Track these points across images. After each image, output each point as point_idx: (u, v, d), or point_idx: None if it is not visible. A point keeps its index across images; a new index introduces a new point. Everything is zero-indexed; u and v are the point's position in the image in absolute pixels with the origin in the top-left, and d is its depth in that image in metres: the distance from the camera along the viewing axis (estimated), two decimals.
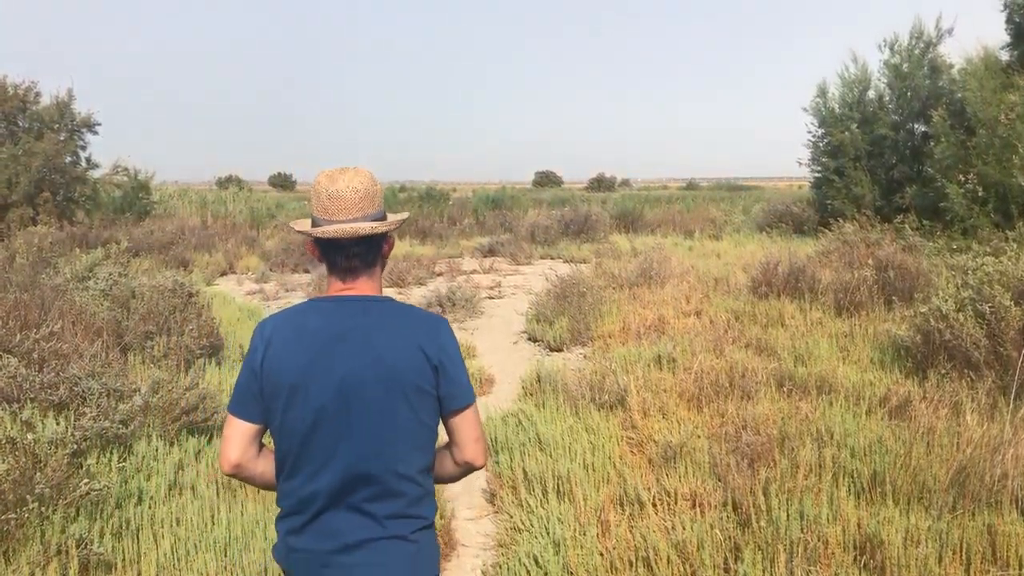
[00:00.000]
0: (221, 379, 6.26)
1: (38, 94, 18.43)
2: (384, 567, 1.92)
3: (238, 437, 1.98)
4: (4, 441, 3.87)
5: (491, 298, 12.22)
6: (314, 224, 1.99)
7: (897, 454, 4.36)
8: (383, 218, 2.03)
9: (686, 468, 4.51)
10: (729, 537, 3.78)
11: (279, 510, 2.03)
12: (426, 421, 1.97)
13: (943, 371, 5.89)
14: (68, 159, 18.54)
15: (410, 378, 1.93)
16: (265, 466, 2.04)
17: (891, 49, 17.55)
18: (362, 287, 2.02)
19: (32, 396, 4.81)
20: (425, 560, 2.00)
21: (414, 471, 1.97)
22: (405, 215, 2.22)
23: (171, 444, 4.87)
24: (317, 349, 1.94)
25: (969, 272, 6.59)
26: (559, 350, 8.46)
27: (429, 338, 1.97)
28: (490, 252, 18.19)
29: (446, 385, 1.98)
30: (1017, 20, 14.02)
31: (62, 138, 18.42)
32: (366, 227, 1.95)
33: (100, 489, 3.96)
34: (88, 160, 19.21)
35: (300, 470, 1.96)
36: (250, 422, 1.99)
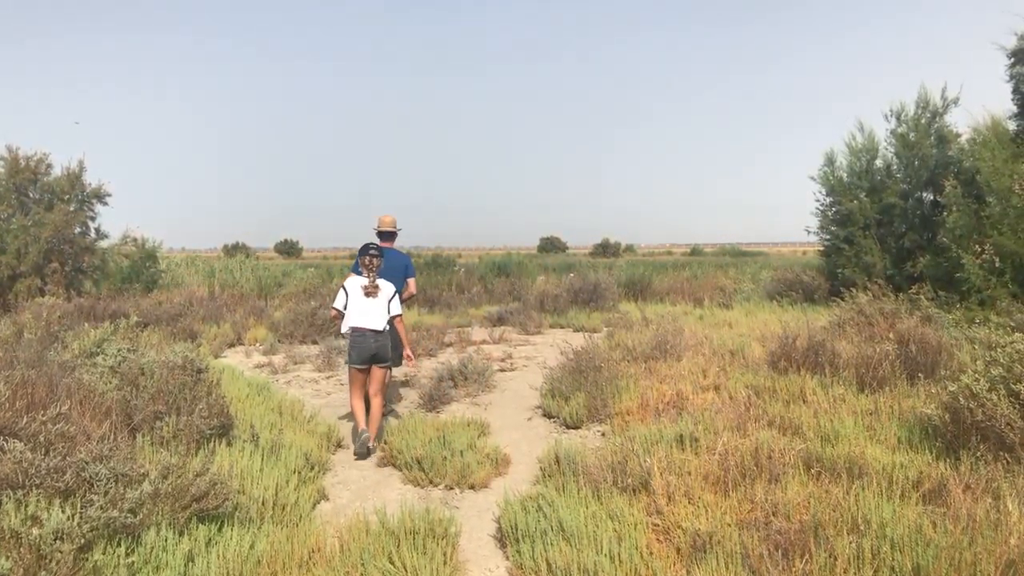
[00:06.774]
0: (232, 461, 6.04)
1: (49, 166, 18.57)
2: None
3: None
4: (8, 535, 3.70)
5: (503, 371, 11.93)
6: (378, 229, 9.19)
7: (939, 546, 4.15)
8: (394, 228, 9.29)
9: (717, 559, 4.31)
10: None
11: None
12: (399, 287, 8.57)
13: (977, 453, 5.69)
14: (77, 230, 18.61)
15: (399, 272, 8.76)
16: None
17: (898, 118, 17.63)
18: (389, 246, 9.05)
19: (38, 482, 4.63)
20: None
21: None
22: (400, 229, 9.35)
23: (180, 534, 4.67)
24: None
25: (996, 348, 6.41)
26: (576, 427, 8.24)
27: (405, 260, 9.05)
28: (499, 321, 17.96)
29: (405, 273, 8.97)
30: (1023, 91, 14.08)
31: (72, 209, 18.49)
32: (393, 229, 9.25)
33: None
34: (97, 230, 19.30)
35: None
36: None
